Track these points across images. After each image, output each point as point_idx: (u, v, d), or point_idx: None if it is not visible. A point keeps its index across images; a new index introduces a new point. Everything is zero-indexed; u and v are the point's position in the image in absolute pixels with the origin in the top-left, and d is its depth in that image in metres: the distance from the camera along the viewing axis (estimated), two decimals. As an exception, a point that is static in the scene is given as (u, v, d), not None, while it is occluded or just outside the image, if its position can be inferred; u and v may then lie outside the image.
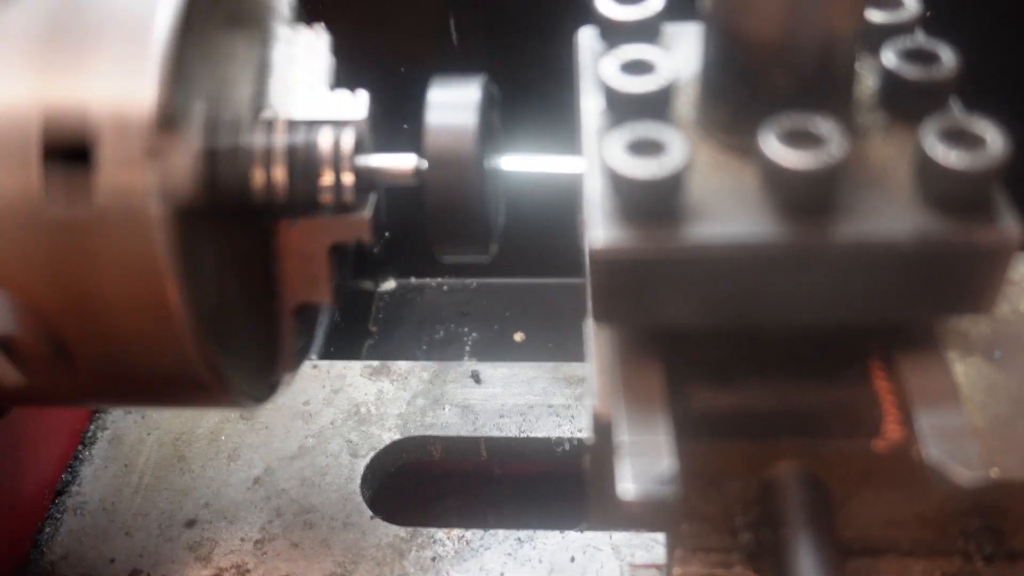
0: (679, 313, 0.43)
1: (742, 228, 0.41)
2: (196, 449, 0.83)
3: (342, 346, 1.01)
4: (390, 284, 1.14)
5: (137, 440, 0.84)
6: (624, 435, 0.43)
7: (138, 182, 0.46)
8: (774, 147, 0.40)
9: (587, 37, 0.51)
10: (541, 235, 1.06)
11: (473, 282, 1.13)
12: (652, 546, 0.72)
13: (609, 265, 0.41)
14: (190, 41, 0.48)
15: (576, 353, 0.98)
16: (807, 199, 0.40)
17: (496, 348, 1.06)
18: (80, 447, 0.84)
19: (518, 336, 1.07)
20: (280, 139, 0.53)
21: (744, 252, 0.41)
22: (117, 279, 0.48)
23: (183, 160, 0.47)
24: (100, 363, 0.51)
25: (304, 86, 0.56)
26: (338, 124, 0.54)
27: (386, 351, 1.07)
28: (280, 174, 0.52)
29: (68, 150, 0.46)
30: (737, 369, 0.48)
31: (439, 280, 1.14)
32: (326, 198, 0.54)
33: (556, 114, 0.97)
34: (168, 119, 0.46)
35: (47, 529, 0.79)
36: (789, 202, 0.41)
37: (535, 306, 1.10)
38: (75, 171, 0.46)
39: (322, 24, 0.61)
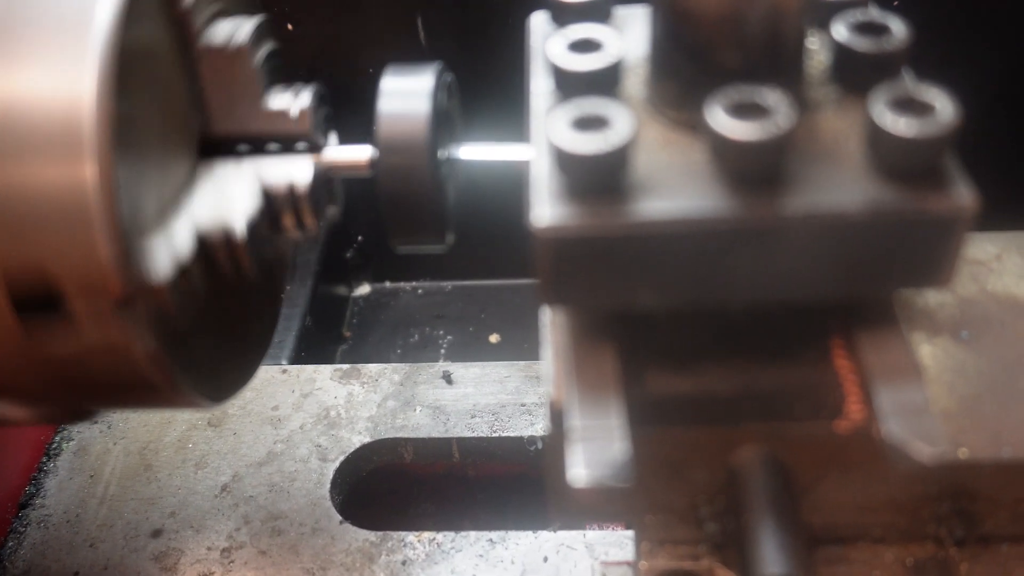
0: (629, 294, 0.42)
1: (690, 203, 0.40)
2: (163, 458, 0.82)
3: (315, 352, 1.00)
4: (364, 289, 1.13)
5: (103, 450, 0.83)
6: (576, 419, 0.42)
7: (116, 331, 0.46)
8: (721, 119, 0.39)
9: (539, 21, 0.50)
10: (515, 236, 1.05)
11: (448, 285, 1.12)
12: (625, 543, 0.71)
13: (554, 244, 0.40)
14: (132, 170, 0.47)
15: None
16: (756, 172, 0.39)
17: (471, 350, 1.05)
18: (45, 459, 0.83)
19: (494, 338, 1.06)
20: (239, 208, 0.52)
21: (693, 227, 0.40)
22: (109, 388, 0.50)
23: (153, 295, 0.47)
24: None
25: (242, 95, 0.54)
26: (285, 139, 0.54)
27: (360, 356, 1.06)
28: (241, 247, 0.52)
29: (40, 302, 0.46)
30: (695, 352, 0.47)
31: (414, 284, 1.13)
32: (290, 232, 0.54)
33: (521, 107, 0.97)
34: (130, 268, 0.46)
35: (10, 543, 0.77)
36: (738, 175, 0.40)
37: (510, 307, 1.09)
38: (52, 319, 0.46)
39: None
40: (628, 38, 0.48)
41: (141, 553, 0.75)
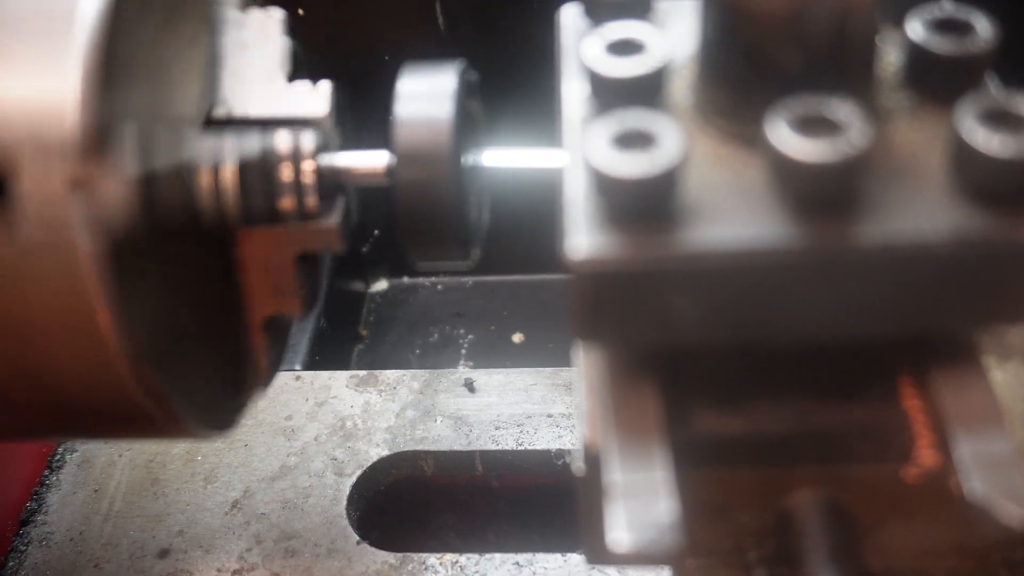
0: (675, 331, 0.38)
1: (748, 231, 0.35)
2: (171, 471, 0.78)
3: (329, 352, 0.95)
4: (381, 285, 1.08)
5: (108, 463, 0.79)
6: (616, 473, 0.37)
7: (63, 216, 0.40)
8: (784, 136, 0.34)
9: (570, 15, 0.45)
10: (538, 229, 1.00)
11: (468, 280, 1.07)
12: (662, 569, 0.66)
13: (592, 278, 0.35)
14: (121, 40, 0.42)
15: (578, 355, 0.93)
16: (824, 195, 0.35)
17: (494, 350, 1.00)
18: (47, 472, 0.79)
19: (517, 337, 1.01)
20: (230, 147, 0.47)
21: (751, 259, 0.35)
22: (47, 315, 0.43)
23: (115, 187, 0.41)
24: (38, 398, 0.46)
25: (259, 77, 0.50)
26: (297, 123, 0.48)
27: (377, 356, 1.01)
28: (231, 187, 0.47)
29: None
30: (746, 388, 0.42)
31: (433, 279, 1.08)
32: (286, 206, 0.48)
33: (549, 104, 0.92)
34: (94, 142, 0.40)
35: (10, 563, 0.73)
36: (803, 199, 0.35)
37: (534, 305, 1.04)
38: None
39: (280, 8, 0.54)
40: (672, 35, 0.43)
41: (148, 574, 0.71)
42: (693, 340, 0.38)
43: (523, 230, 0.96)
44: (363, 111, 0.59)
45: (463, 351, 1.00)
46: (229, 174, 0.47)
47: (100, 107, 0.40)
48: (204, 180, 0.47)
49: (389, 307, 1.06)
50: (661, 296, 0.36)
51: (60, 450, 0.80)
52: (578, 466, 0.44)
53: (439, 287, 1.07)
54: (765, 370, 0.42)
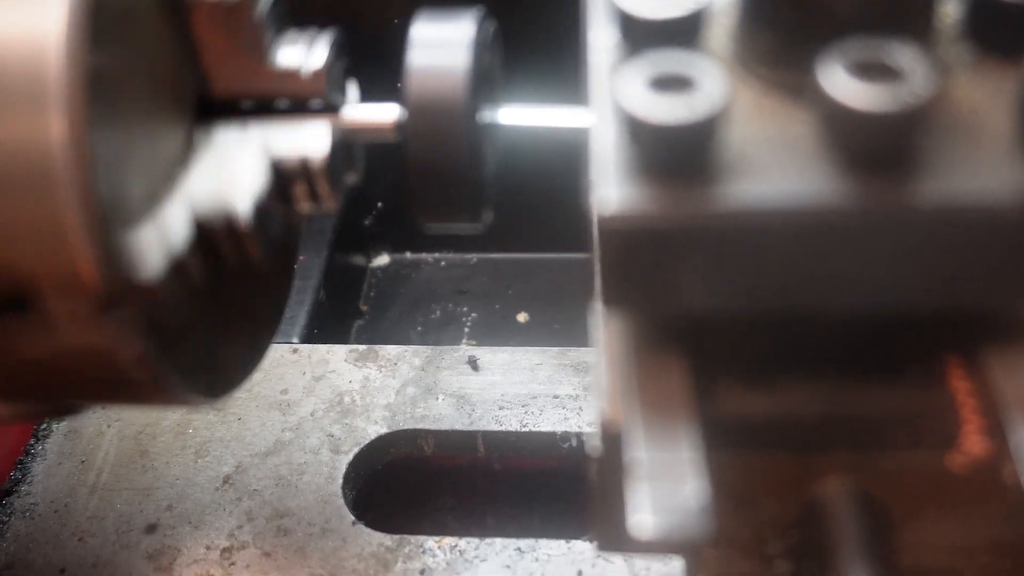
0: (711, 297, 0.34)
1: (795, 187, 0.32)
2: (160, 443, 0.75)
3: (328, 327, 0.92)
4: (383, 259, 1.05)
5: (96, 433, 0.76)
6: (640, 450, 0.34)
7: (99, 333, 0.40)
8: (840, 83, 0.31)
9: (598, -42, 0.42)
10: (547, 204, 0.97)
11: (473, 257, 1.04)
12: (670, 559, 0.63)
13: (624, 235, 0.32)
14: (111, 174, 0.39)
15: (585, 336, 0.90)
16: (881, 150, 0.31)
17: (498, 330, 0.97)
18: (32, 441, 0.76)
19: (522, 317, 0.98)
20: (243, 206, 0.44)
21: (798, 218, 0.32)
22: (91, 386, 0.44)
23: (144, 295, 0.40)
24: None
25: (245, 51, 0.46)
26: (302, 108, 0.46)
27: (377, 333, 0.98)
28: (253, 246, 0.44)
29: (14, 303, 0.39)
30: (778, 366, 0.39)
31: (436, 255, 1.05)
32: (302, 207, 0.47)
33: (567, 63, 0.88)
34: (115, 272, 0.38)
35: (-9, 534, 0.70)
36: (857, 154, 0.32)
37: (540, 283, 1.00)
38: (28, 320, 0.40)
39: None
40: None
41: (134, 550, 0.68)
42: (728, 309, 0.35)
43: (531, 206, 0.93)
44: (371, 77, 0.55)
45: (466, 329, 0.97)
46: (244, 224, 0.44)
47: (106, 227, 0.38)
48: (222, 236, 0.44)
49: (391, 282, 1.03)
50: (697, 256, 0.33)
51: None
52: (594, 445, 0.41)
53: (442, 263, 1.04)
54: (799, 346, 0.39)
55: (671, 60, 0.32)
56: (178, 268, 0.42)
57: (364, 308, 1.00)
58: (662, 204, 0.32)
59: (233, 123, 0.45)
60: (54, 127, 0.36)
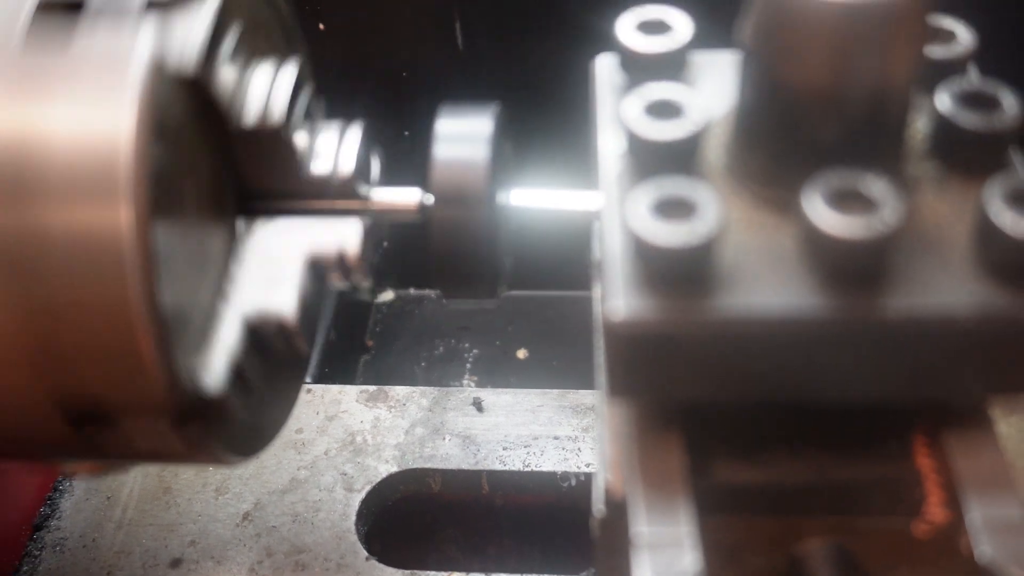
0: (705, 388, 0.39)
1: (781, 300, 0.36)
2: (182, 481, 0.79)
3: (336, 362, 0.96)
4: (388, 295, 1.10)
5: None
6: (642, 525, 0.39)
7: (175, 443, 0.44)
8: (820, 211, 0.35)
9: (605, 67, 0.46)
10: (545, 246, 1.01)
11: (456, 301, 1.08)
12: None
13: (630, 339, 0.37)
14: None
15: (583, 374, 0.93)
16: (856, 269, 0.36)
17: (498, 366, 1.01)
18: (60, 478, 0.80)
19: (521, 353, 1.02)
20: (289, 309, 0.48)
21: (783, 327, 0.36)
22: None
23: (212, 407, 0.45)
24: None
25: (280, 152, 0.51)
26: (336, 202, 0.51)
27: (383, 368, 1.02)
28: (300, 342, 0.49)
29: (94, 418, 0.44)
30: (764, 441, 0.43)
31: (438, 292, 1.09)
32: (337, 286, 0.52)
33: (565, 124, 0.93)
34: (182, 390, 0.43)
35: (24, 568, 0.74)
36: (835, 271, 0.36)
37: (538, 321, 1.05)
38: (107, 430, 0.44)
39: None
40: (705, 91, 0.44)
41: (159, 584, 0.73)
42: (721, 397, 0.39)
43: (530, 248, 0.97)
44: (377, 124, 0.59)
45: (468, 365, 1.02)
46: (294, 330, 0.48)
47: (181, 358, 0.42)
48: (273, 338, 0.48)
49: (395, 318, 1.07)
50: (693, 357, 0.37)
51: (73, 456, 0.81)
52: (599, 508, 0.45)
53: (444, 300, 1.08)
54: (784, 424, 0.43)
55: (674, 185, 0.37)
56: (238, 374, 0.46)
57: (370, 343, 1.05)
58: (664, 313, 0.36)
59: (273, 221, 0.50)
60: (123, 215, 0.40)
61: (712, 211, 0.36)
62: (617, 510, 0.43)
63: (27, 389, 0.43)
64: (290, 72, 0.48)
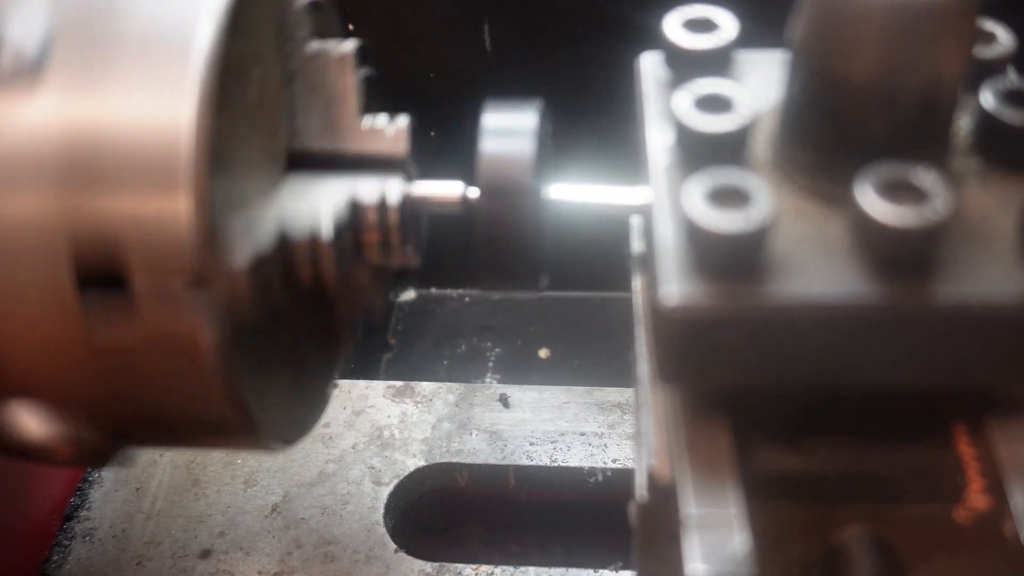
0: (754, 374, 0.40)
1: (832, 287, 0.37)
2: (211, 472, 0.80)
3: (360, 360, 0.97)
4: (410, 295, 1.10)
5: (149, 462, 0.81)
6: (691, 507, 0.40)
7: (182, 315, 0.42)
8: (872, 201, 0.36)
9: (651, 63, 0.47)
10: (568, 247, 1.02)
11: (495, 294, 1.09)
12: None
13: (683, 324, 0.38)
14: (226, 130, 0.43)
15: (604, 372, 0.95)
16: (906, 258, 0.37)
17: (520, 365, 1.02)
18: (90, 468, 0.81)
19: (543, 353, 1.03)
20: (324, 209, 0.49)
21: (834, 314, 0.37)
22: (168, 395, 0.46)
23: (229, 280, 0.44)
24: (152, 435, 0.52)
25: (337, 114, 0.52)
26: (380, 163, 0.51)
27: (405, 366, 1.03)
28: (327, 258, 0.49)
29: (103, 278, 0.42)
30: (806, 429, 0.44)
31: (460, 291, 1.10)
32: (372, 240, 0.51)
33: (594, 124, 0.94)
34: (209, 244, 0.42)
35: (55, 557, 0.75)
36: (884, 259, 0.37)
37: (560, 321, 1.06)
38: (114, 299, 0.43)
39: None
40: (751, 88, 0.45)
41: (190, 574, 0.73)
42: (770, 383, 0.40)
43: (560, 249, 0.98)
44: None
45: (490, 364, 1.02)
46: (325, 247, 0.48)
47: (212, 209, 0.42)
48: (302, 251, 0.49)
49: (417, 317, 1.08)
50: (743, 342, 0.38)
51: (103, 448, 0.82)
52: (641, 494, 0.46)
53: (466, 299, 1.10)
54: (826, 412, 0.44)
55: (727, 175, 0.38)
56: (261, 266, 0.46)
57: (392, 341, 1.05)
58: (717, 299, 0.37)
59: (321, 174, 0.51)
60: (184, 107, 0.41)
61: (765, 199, 0.37)
62: (662, 495, 0.44)
63: (44, 214, 0.42)
64: (356, 41, 0.50)
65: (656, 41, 0.47)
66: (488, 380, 0.99)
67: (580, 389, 0.84)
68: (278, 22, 0.49)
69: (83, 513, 0.78)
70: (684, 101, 0.41)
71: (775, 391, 0.43)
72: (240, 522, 0.76)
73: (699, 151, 0.41)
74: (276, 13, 0.49)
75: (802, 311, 0.37)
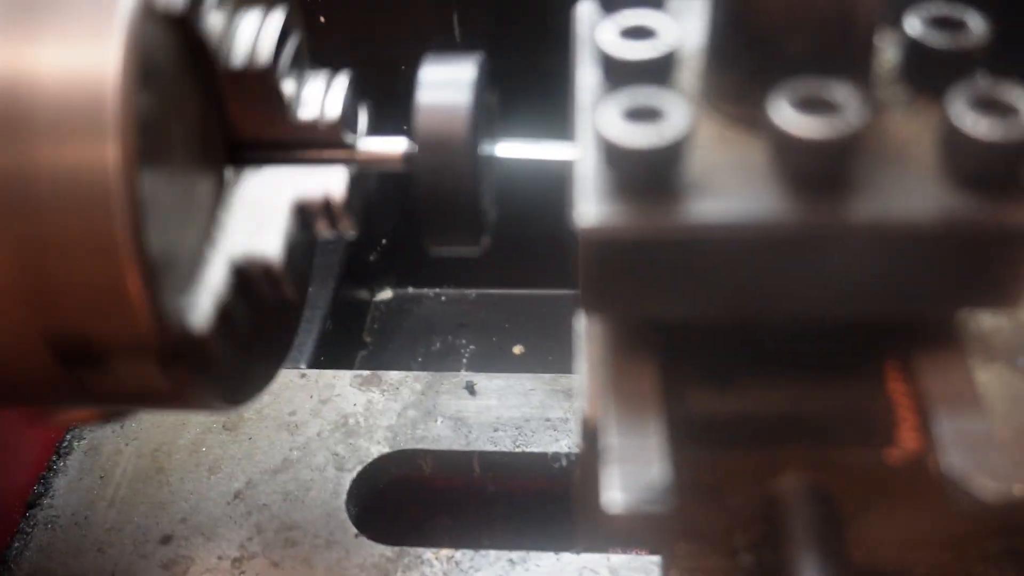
0: (677, 302, 0.39)
1: (748, 205, 0.37)
2: (176, 461, 0.79)
3: (334, 356, 0.97)
4: (386, 294, 1.10)
5: (114, 451, 0.80)
6: (612, 438, 0.39)
7: (162, 381, 0.45)
8: (785, 114, 0.36)
9: (587, 10, 0.47)
10: (542, 244, 1.02)
11: (472, 292, 1.09)
12: (651, 569, 0.68)
13: (601, 245, 0.37)
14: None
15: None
16: (821, 173, 0.36)
17: (494, 361, 1.01)
18: (54, 458, 0.80)
19: (517, 349, 1.02)
20: (277, 250, 0.48)
21: (750, 232, 0.37)
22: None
23: (202, 345, 0.45)
24: None
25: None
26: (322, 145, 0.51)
27: (380, 362, 1.03)
28: (287, 285, 0.49)
29: (81, 357, 0.44)
30: (739, 370, 0.44)
31: (437, 290, 1.10)
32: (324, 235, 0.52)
33: (562, 116, 0.94)
34: (172, 338, 0.44)
35: (16, 544, 0.74)
36: (801, 177, 0.37)
37: (535, 318, 1.05)
38: (95, 368, 0.45)
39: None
40: (682, 24, 0.45)
41: (150, 560, 0.72)
42: (691, 314, 0.40)
43: (526, 245, 0.98)
44: (378, 115, 0.60)
45: (464, 360, 1.02)
46: (282, 271, 0.49)
47: (168, 298, 0.43)
48: (259, 281, 0.49)
49: (393, 316, 1.08)
50: (664, 265, 0.38)
51: (68, 437, 0.81)
52: (577, 442, 0.45)
53: (443, 298, 1.09)
54: (759, 352, 0.43)
55: (644, 94, 0.37)
56: (224, 316, 0.46)
57: (367, 339, 1.05)
58: (634, 219, 0.37)
59: (260, 169, 0.50)
60: (110, 155, 0.41)
61: (679, 115, 0.36)
62: (593, 439, 0.43)
63: (19, 326, 0.43)
64: (278, 17, 0.49)
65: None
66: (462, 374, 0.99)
67: (547, 376, 0.83)
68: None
69: (46, 501, 0.77)
70: (609, 32, 0.41)
71: (704, 328, 0.42)
72: (202, 508, 0.76)
73: (624, 81, 0.41)
74: None
75: (718, 230, 0.37)
